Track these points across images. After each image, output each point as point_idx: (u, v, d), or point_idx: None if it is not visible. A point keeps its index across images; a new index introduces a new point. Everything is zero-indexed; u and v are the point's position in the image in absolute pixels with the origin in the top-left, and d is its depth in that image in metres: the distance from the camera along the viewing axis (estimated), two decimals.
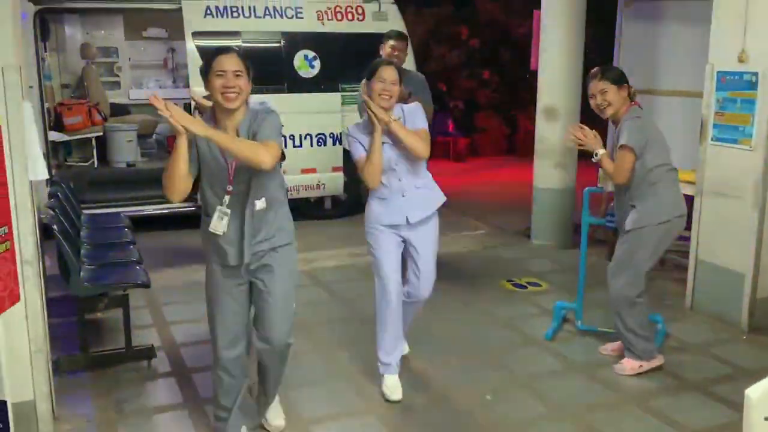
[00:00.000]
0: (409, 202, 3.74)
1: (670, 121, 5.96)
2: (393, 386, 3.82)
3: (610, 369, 4.14)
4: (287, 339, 3.24)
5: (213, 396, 3.38)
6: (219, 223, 3.03)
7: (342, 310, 5.22)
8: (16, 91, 2.88)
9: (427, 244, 3.83)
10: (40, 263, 3.34)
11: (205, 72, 2.98)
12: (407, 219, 3.73)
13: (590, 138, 3.97)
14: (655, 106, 6.25)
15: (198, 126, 2.82)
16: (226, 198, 3.02)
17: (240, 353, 3.29)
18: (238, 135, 2.99)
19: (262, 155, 2.88)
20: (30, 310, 3.02)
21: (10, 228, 2.82)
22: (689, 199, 5.22)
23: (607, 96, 3.89)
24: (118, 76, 9.25)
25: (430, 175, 3.91)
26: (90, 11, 8.42)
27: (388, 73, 3.60)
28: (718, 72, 4.76)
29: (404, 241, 3.81)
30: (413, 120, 3.75)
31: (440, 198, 3.89)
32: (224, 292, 3.18)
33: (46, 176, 3.23)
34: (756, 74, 4.53)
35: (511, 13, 12.51)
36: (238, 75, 2.93)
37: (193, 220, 7.16)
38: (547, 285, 5.61)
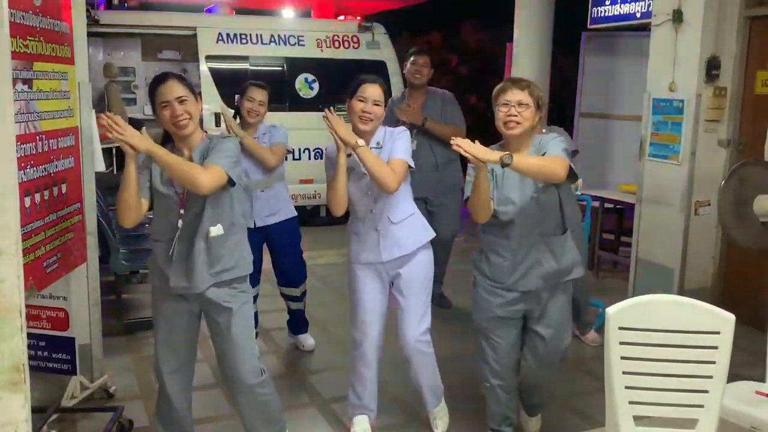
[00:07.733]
0: (384, 238, 3.33)
1: (623, 141, 6.86)
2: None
3: None
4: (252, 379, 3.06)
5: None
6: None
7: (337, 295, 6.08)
8: (88, 101, 3.74)
9: (410, 284, 3.38)
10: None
11: (152, 106, 2.88)
12: (381, 257, 3.35)
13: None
14: (611, 128, 7.16)
15: (142, 141, 2.69)
16: (180, 222, 2.89)
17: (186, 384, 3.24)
18: (192, 161, 2.87)
19: (200, 177, 2.73)
20: (90, 270, 3.84)
21: (82, 204, 3.69)
22: (631, 207, 6.13)
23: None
24: (134, 93, 10.10)
25: (414, 209, 3.44)
26: (110, 35, 9.32)
27: (371, 92, 3.21)
28: (654, 99, 5.67)
29: (391, 282, 3.44)
30: (392, 146, 3.25)
31: (422, 236, 3.41)
32: (168, 312, 3.06)
33: (104, 169, 4.09)
34: (683, 101, 5.43)
35: (500, 42, 13.51)
36: (182, 101, 2.80)
37: None
38: None
